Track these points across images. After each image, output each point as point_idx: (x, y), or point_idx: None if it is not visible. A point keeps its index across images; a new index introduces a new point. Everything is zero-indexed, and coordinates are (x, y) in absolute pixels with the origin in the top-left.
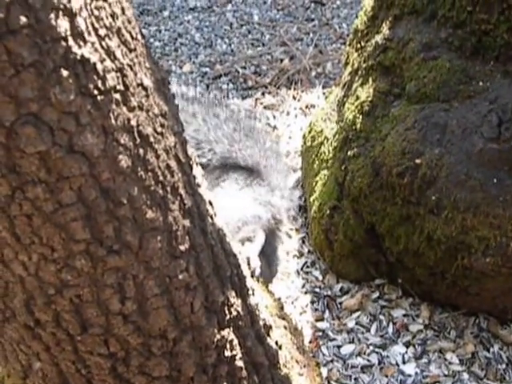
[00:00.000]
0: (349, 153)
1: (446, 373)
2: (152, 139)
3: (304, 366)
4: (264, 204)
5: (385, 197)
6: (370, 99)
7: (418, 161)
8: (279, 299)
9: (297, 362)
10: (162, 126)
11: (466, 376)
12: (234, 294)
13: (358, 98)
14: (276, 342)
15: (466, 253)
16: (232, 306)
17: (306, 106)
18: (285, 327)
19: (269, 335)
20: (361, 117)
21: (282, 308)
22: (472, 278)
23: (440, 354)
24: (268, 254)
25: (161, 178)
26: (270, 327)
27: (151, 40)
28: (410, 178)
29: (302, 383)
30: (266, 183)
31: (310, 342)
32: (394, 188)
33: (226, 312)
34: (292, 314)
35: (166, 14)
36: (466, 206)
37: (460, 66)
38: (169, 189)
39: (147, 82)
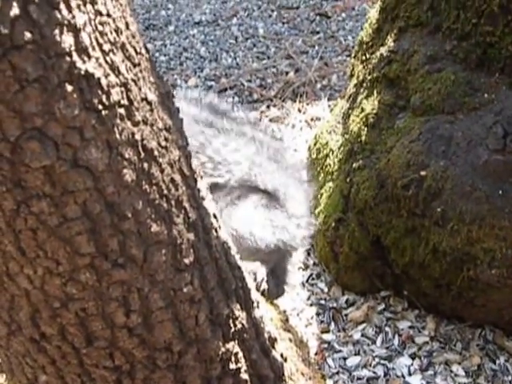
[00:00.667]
0: (354, 165)
1: None
2: (156, 153)
3: (309, 379)
4: (280, 228)
5: (390, 209)
6: (374, 111)
7: (423, 173)
8: (284, 312)
9: (302, 374)
10: (166, 139)
11: None
12: (238, 306)
13: (363, 110)
14: (281, 355)
15: (472, 265)
16: (237, 318)
17: (312, 119)
18: (290, 340)
19: (274, 348)
20: (366, 129)
21: (287, 320)
22: (478, 290)
23: (446, 366)
24: (277, 275)
25: (165, 191)
26: (275, 340)
27: (157, 54)
28: (415, 189)
29: None
30: (284, 209)
31: (316, 354)
32: (399, 200)
33: (231, 325)
34: (297, 326)
35: (171, 28)
36: (472, 218)
37: (465, 78)
38: (173, 202)
39: (151, 96)
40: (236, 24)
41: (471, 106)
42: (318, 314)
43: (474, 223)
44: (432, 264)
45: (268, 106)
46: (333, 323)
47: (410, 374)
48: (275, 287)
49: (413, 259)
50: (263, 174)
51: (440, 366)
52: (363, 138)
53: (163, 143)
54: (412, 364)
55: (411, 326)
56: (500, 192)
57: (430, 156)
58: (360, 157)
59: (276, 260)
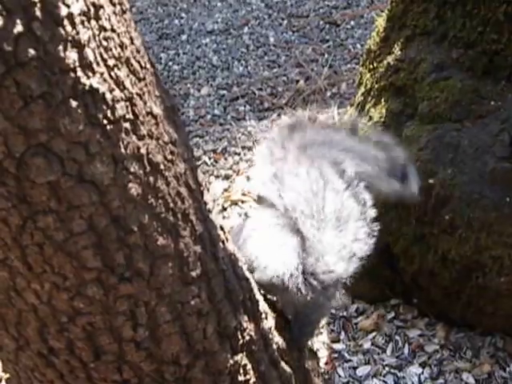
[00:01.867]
0: None
1: None
2: (162, 167)
3: None
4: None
5: (399, 217)
6: (382, 120)
7: (431, 181)
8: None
9: None
10: (171, 153)
11: None
12: (246, 318)
13: (371, 118)
14: (290, 366)
15: (481, 272)
16: (245, 330)
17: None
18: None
19: (283, 359)
20: None
21: None
22: (487, 298)
23: (456, 375)
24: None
25: (171, 204)
26: (284, 351)
27: (170, 63)
28: (424, 197)
29: None
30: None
31: (326, 364)
32: (408, 208)
33: (239, 337)
34: None
35: (184, 37)
36: (480, 226)
37: (471, 85)
38: (180, 215)
39: (157, 110)
40: (247, 33)
41: (478, 114)
42: (328, 324)
43: (482, 231)
44: (441, 272)
45: (279, 115)
46: (343, 332)
47: (420, 383)
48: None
49: (422, 267)
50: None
51: (450, 375)
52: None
53: (169, 157)
54: (422, 373)
55: (421, 335)
56: (507, 199)
57: (438, 164)
58: None
59: None
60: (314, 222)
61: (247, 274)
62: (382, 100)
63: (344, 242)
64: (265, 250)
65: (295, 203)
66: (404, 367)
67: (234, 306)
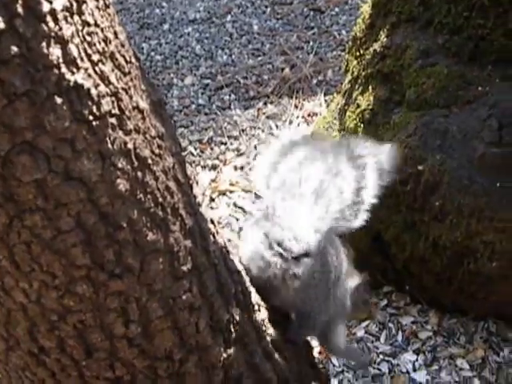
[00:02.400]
0: None
1: (457, 379)
2: (150, 161)
3: (313, 381)
4: None
5: (389, 205)
6: (370, 107)
7: (420, 167)
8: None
9: (306, 375)
10: (159, 147)
11: (477, 382)
12: (239, 311)
13: (358, 106)
14: (284, 357)
15: (472, 258)
16: (238, 323)
17: (309, 114)
18: None
19: (277, 350)
20: (362, 125)
21: None
22: (479, 283)
23: (450, 361)
24: None
25: (160, 199)
26: (278, 342)
27: (152, 54)
28: (414, 184)
29: None
30: None
31: (320, 353)
32: (398, 195)
33: (232, 330)
34: None
35: (166, 27)
36: (470, 211)
37: (458, 71)
38: (169, 210)
39: (143, 104)
40: (230, 21)
41: (465, 100)
42: None
43: (473, 216)
44: (432, 258)
45: (265, 103)
46: None
47: (414, 370)
48: None
49: (413, 254)
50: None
51: (444, 361)
52: (360, 134)
53: (156, 151)
54: (417, 359)
55: (414, 321)
56: (497, 184)
57: (427, 150)
58: None
59: None
60: (286, 195)
61: (239, 266)
62: (370, 87)
63: (320, 215)
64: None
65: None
66: (398, 354)
67: (226, 300)
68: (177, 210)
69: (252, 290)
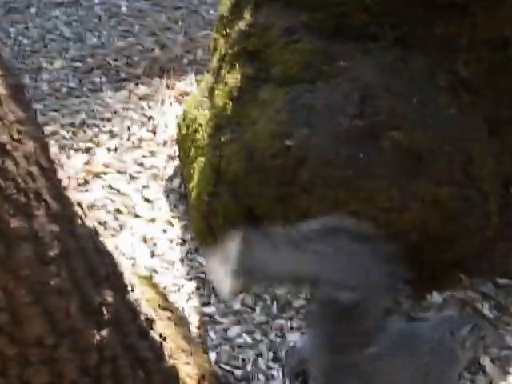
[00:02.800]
0: (222, 139)
1: None
2: (9, 147)
3: (190, 355)
4: None
5: (260, 179)
6: (238, 85)
7: (288, 142)
8: (163, 290)
9: (183, 351)
10: (19, 132)
11: None
12: (111, 293)
13: (226, 84)
14: (160, 335)
15: None
16: (110, 305)
17: (180, 94)
18: (169, 318)
19: (152, 329)
20: (231, 103)
21: (165, 299)
22: None
23: None
24: None
25: (22, 185)
26: (153, 321)
27: (19, 38)
28: (282, 159)
29: (189, 372)
30: None
31: (198, 328)
32: (268, 170)
33: (105, 312)
34: (178, 302)
35: (33, 10)
36: (337, 183)
37: (321, 47)
38: (32, 195)
39: None
40: (98, 3)
41: (329, 74)
42: (198, 288)
43: (340, 187)
44: None
45: (136, 84)
46: (213, 296)
47: (290, 332)
48: None
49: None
50: None
51: None
52: (229, 111)
53: (16, 136)
54: (291, 325)
55: (288, 292)
56: (361, 155)
57: (294, 125)
58: (227, 130)
59: None
60: None
61: (109, 248)
62: (237, 65)
63: None
64: None
65: None
66: (273, 322)
67: (98, 282)
68: (40, 195)
69: (125, 270)
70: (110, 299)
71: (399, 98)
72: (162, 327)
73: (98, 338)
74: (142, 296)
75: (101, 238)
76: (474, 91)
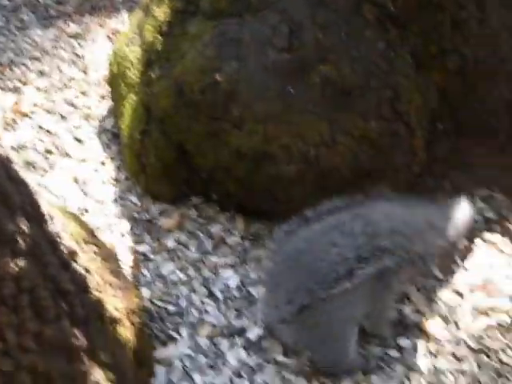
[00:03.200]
0: (152, 75)
1: None
2: None
3: (119, 289)
4: None
5: (190, 115)
6: (167, 19)
7: (217, 77)
8: (91, 226)
9: (110, 285)
10: None
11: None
12: (26, 222)
13: (156, 18)
14: (85, 268)
15: (272, 163)
16: (26, 234)
17: (112, 32)
18: (95, 253)
19: (75, 261)
20: (160, 37)
21: (92, 234)
22: (280, 187)
23: (257, 262)
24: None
25: None
26: (75, 253)
27: None
28: (212, 94)
29: (116, 305)
30: None
31: (132, 266)
32: (197, 105)
33: (20, 241)
34: (111, 240)
35: None
36: (267, 117)
37: None
38: None
39: None
40: None
41: (257, 8)
42: (131, 227)
43: (270, 122)
44: (235, 165)
45: (66, 22)
46: (146, 234)
47: (223, 268)
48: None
49: (217, 163)
50: None
51: (252, 263)
52: (158, 46)
53: None
54: (225, 262)
55: (223, 229)
56: (291, 90)
57: (223, 59)
58: (157, 66)
59: None
60: None
61: (25, 178)
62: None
63: None
64: None
65: None
66: (207, 259)
67: (11, 211)
68: None
69: (43, 202)
70: (25, 228)
71: (326, 31)
72: (87, 261)
73: (13, 266)
74: (64, 229)
75: (14, 166)
76: (401, 26)
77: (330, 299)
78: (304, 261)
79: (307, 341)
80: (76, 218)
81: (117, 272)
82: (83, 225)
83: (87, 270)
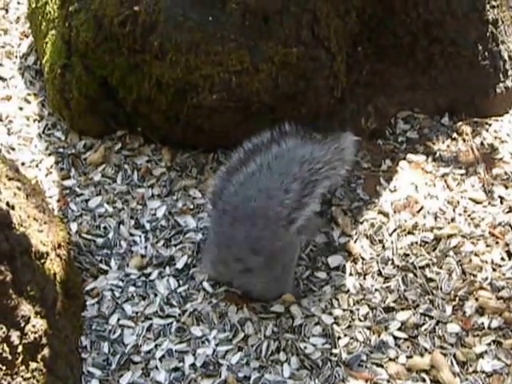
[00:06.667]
0: (70, 8)
1: (192, 206)
2: None
3: (45, 223)
4: None
5: (111, 48)
6: None
7: (136, 8)
8: (14, 163)
9: (35, 219)
10: None
11: (209, 206)
12: None
13: None
14: (7, 203)
15: (194, 93)
16: None
17: None
18: (18, 188)
19: None
20: None
21: (16, 171)
22: (203, 116)
23: (184, 192)
24: None
25: None
26: None
27: None
28: (131, 26)
29: (42, 239)
30: None
31: (59, 201)
32: (118, 39)
33: None
34: (37, 176)
35: None
36: (188, 47)
37: None
38: None
39: None
40: None
41: None
42: (57, 163)
43: (191, 52)
44: (158, 97)
45: None
46: (73, 169)
47: (151, 200)
48: None
49: (140, 95)
50: None
51: (179, 192)
52: None
53: None
54: (152, 193)
55: (149, 160)
56: (210, 19)
57: None
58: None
59: None
60: None
61: None
62: None
63: None
64: None
65: None
66: (133, 191)
67: None
68: None
69: None
70: None
71: None
72: (9, 196)
73: None
74: None
75: None
76: None
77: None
78: (249, 210)
79: (250, 280)
80: None
81: (41, 207)
82: (6, 161)
83: (10, 206)
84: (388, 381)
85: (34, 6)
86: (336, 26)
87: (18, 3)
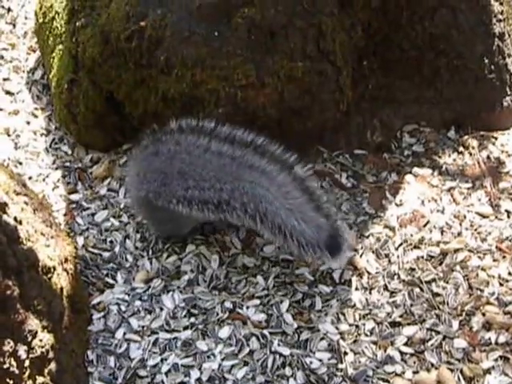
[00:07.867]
0: (77, 24)
1: None
2: None
3: (51, 238)
4: None
5: (118, 63)
6: None
7: (142, 23)
8: (22, 177)
9: (42, 234)
10: None
11: None
12: None
13: None
14: (15, 218)
15: (201, 107)
16: None
17: None
18: (25, 203)
19: (5, 212)
20: None
21: (23, 185)
22: None
23: None
24: None
25: None
26: (5, 204)
27: None
28: (138, 41)
29: (49, 253)
30: None
31: (65, 215)
32: (124, 54)
33: None
34: (44, 190)
35: None
36: (194, 62)
37: None
38: None
39: None
40: None
41: None
42: (64, 177)
43: (197, 67)
44: (164, 111)
45: None
46: (79, 183)
47: None
48: None
49: (146, 110)
50: None
51: None
52: None
53: None
54: None
55: None
56: (216, 33)
57: (148, 6)
58: (82, 15)
59: None
60: None
61: None
62: None
63: None
64: None
65: None
66: None
67: None
68: None
69: None
70: None
71: None
72: (17, 211)
73: None
74: None
75: None
76: None
77: None
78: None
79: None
80: (6, 169)
81: (49, 221)
82: (13, 176)
83: (18, 221)
84: None
85: (41, 21)
86: (341, 40)
87: (26, 18)
